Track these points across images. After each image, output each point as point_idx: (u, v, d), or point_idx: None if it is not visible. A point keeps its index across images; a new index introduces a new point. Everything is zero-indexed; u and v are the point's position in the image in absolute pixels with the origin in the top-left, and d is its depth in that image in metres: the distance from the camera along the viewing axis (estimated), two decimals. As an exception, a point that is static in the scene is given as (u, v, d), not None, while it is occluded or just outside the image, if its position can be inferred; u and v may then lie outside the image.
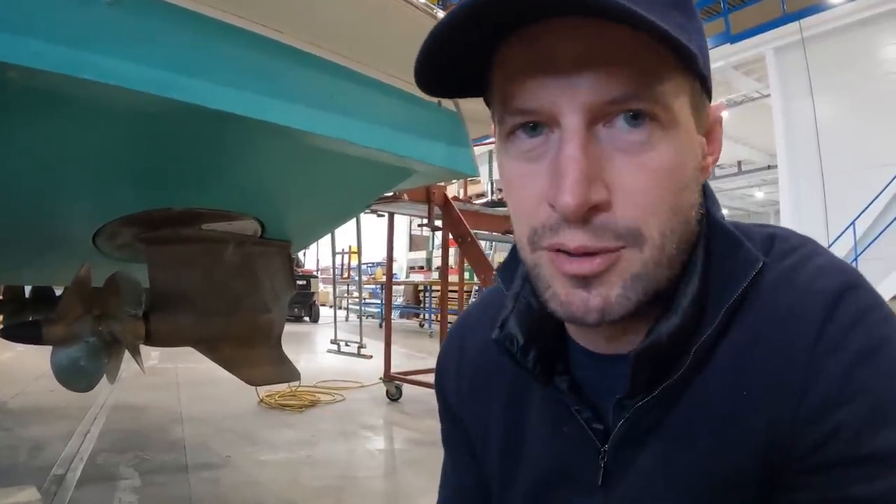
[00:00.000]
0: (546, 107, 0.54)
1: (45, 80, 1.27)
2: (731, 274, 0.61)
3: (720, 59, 13.82)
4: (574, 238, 0.55)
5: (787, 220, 12.46)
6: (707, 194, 0.66)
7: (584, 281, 0.56)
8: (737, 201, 24.57)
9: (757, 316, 0.60)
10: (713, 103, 0.63)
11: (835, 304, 0.57)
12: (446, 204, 5.96)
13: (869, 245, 10.64)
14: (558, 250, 0.56)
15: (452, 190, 7.43)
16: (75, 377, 2.30)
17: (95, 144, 1.74)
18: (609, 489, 0.67)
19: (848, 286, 0.58)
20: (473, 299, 12.42)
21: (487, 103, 0.63)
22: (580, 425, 0.68)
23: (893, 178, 10.63)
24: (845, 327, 0.55)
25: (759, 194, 23.28)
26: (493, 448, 0.80)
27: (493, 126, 0.63)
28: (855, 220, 10.78)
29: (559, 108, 0.54)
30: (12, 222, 2.19)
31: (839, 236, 10.98)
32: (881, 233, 10.64)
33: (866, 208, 10.79)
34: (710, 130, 0.63)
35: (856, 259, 10.38)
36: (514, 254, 0.71)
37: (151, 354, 8.17)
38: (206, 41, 1.53)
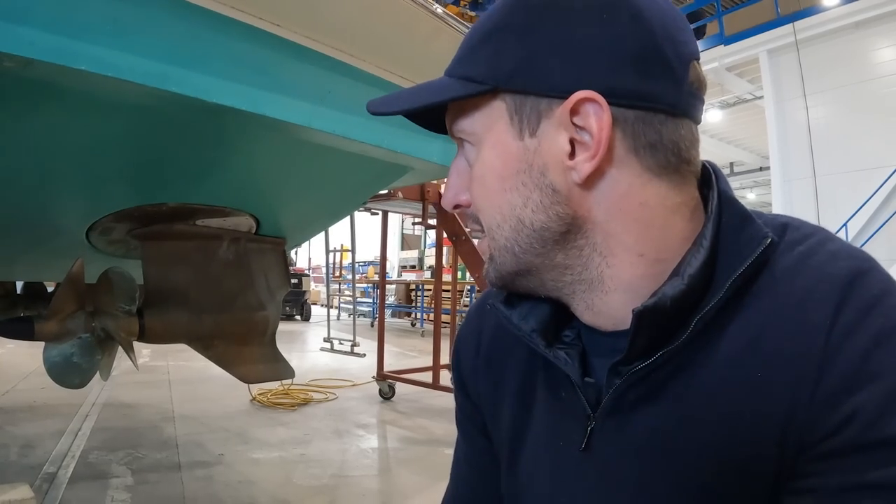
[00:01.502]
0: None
1: (40, 70, 1.26)
2: (739, 248, 0.61)
3: (714, 60, 13.85)
4: (468, 224, 0.74)
5: (780, 222, 12.47)
6: (718, 175, 0.68)
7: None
8: (729, 203, 24.58)
9: (771, 300, 0.60)
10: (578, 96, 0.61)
11: (850, 288, 0.57)
12: (441, 202, 5.94)
13: (861, 246, 10.65)
14: None
15: (447, 188, 7.39)
16: (68, 374, 2.28)
17: (89, 137, 1.72)
18: (594, 456, 0.68)
19: (862, 271, 0.58)
20: (467, 299, 12.41)
21: None
22: (574, 390, 0.69)
23: (885, 181, 10.67)
24: (861, 311, 0.56)
25: (751, 196, 23.35)
26: (506, 422, 0.81)
27: None
28: (847, 222, 10.82)
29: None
30: (4, 216, 2.17)
31: (831, 238, 11.00)
32: (872, 235, 10.68)
33: (858, 210, 10.82)
34: (575, 125, 0.62)
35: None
36: None
37: (143, 352, 8.15)
38: (202, 34, 1.51)
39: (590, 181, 0.63)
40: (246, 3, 1.58)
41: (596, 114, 0.61)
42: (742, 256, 0.60)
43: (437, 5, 2.09)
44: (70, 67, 1.26)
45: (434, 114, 0.72)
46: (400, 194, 5.72)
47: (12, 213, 2.15)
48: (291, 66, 1.76)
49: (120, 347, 2.35)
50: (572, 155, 0.63)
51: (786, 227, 0.65)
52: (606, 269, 0.65)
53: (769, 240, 0.61)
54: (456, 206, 0.73)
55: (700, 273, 0.60)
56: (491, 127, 0.66)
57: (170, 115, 1.67)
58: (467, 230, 0.81)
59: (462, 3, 13.34)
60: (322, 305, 17.81)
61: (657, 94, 0.61)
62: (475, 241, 0.73)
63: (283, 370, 2.76)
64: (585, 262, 0.66)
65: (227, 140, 1.95)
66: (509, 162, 0.65)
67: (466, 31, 0.74)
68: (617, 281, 0.65)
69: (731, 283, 0.60)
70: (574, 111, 0.61)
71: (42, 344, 2.23)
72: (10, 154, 1.73)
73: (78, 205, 2.26)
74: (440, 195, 5.97)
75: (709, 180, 0.68)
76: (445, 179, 0.75)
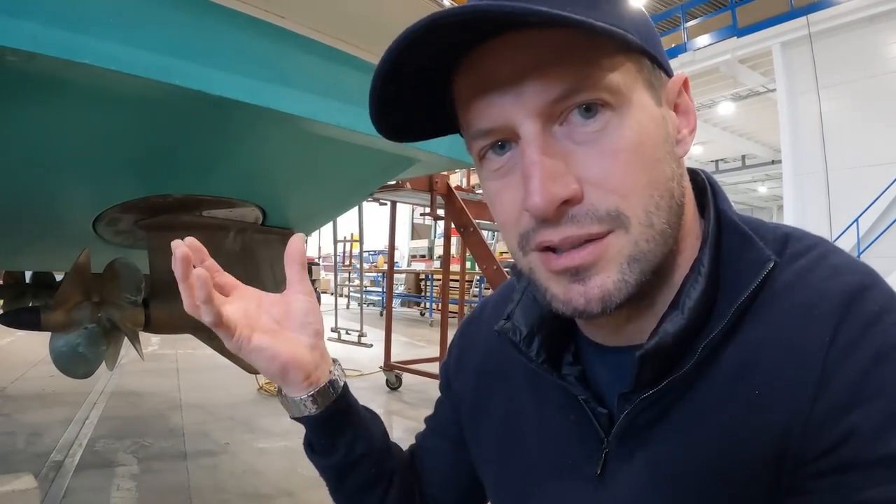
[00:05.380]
0: (501, 122, 0.58)
1: (43, 64, 1.25)
2: (741, 273, 0.60)
3: (726, 52, 13.79)
4: (556, 233, 0.57)
5: (790, 216, 12.44)
6: (715, 192, 0.67)
7: (578, 275, 0.58)
8: (740, 196, 24.58)
9: (770, 316, 0.58)
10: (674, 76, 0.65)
11: (850, 304, 0.55)
12: (449, 193, 5.95)
13: (872, 242, 10.62)
14: (546, 248, 0.59)
15: (455, 179, 7.40)
16: (74, 364, 2.29)
17: (94, 129, 1.72)
18: (607, 480, 0.67)
19: (864, 286, 0.57)
20: (476, 290, 12.40)
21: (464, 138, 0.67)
22: (586, 415, 0.68)
23: (898, 177, 10.62)
24: (861, 328, 0.54)
25: (763, 189, 23.27)
26: (491, 429, 0.81)
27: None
28: (858, 217, 10.77)
29: (512, 119, 0.57)
30: (12, 207, 2.18)
31: (842, 233, 10.96)
32: (884, 230, 10.62)
33: (870, 206, 10.76)
34: (676, 103, 0.64)
35: (859, 256, 10.35)
36: None
37: (152, 340, 8.19)
38: (207, 26, 1.51)
39: (682, 160, 0.63)
40: (251, -5, 1.57)
41: (689, 94, 0.64)
42: (745, 282, 0.59)
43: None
44: (73, 61, 1.25)
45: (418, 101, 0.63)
46: (408, 185, 5.71)
47: (20, 203, 2.16)
48: (297, 58, 1.76)
49: (126, 337, 2.36)
50: (678, 129, 0.63)
51: (787, 239, 0.63)
52: (674, 263, 0.63)
53: (772, 263, 0.60)
54: (565, 203, 0.56)
55: (699, 303, 0.60)
56: (635, 88, 0.58)
57: (175, 108, 1.67)
58: (538, 240, 0.54)
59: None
60: (332, 294, 17.91)
61: None
62: (582, 251, 0.57)
63: (287, 361, 2.76)
64: (672, 251, 0.62)
65: (233, 132, 1.94)
66: (658, 128, 0.59)
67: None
68: (677, 278, 0.63)
69: (736, 310, 0.59)
70: (681, 88, 0.64)
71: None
72: (17, 146, 1.73)
73: (84, 196, 2.26)
74: (448, 186, 6.01)
75: (704, 192, 0.67)
76: (532, 170, 0.56)
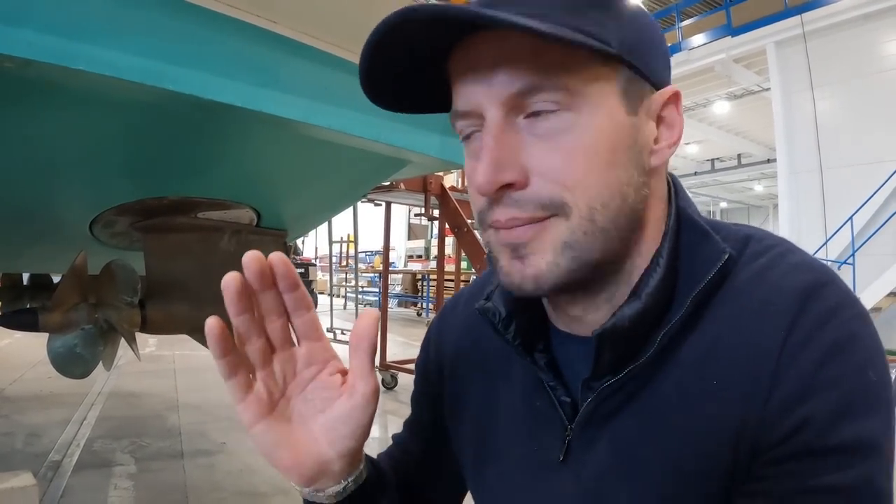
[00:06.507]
0: (473, 106, 0.62)
1: (39, 70, 1.28)
2: (698, 265, 0.63)
3: (721, 51, 13.80)
4: (504, 213, 0.61)
5: (786, 215, 12.45)
6: (678, 191, 0.70)
7: (517, 251, 0.62)
8: (736, 194, 24.57)
9: (730, 309, 0.61)
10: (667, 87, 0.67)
11: (807, 299, 0.58)
12: (443, 194, 5.97)
13: (867, 240, 10.62)
14: (497, 227, 0.63)
15: (450, 179, 7.41)
16: (71, 364, 2.31)
17: (91, 134, 1.74)
18: (571, 466, 0.69)
19: (821, 283, 0.60)
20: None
21: None
22: (551, 401, 0.71)
23: (892, 174, 10.59)
24: (817, 322, 0.57)
25: (759, 188, 23.26)
26: (468, 418, 0.82)
27: None
28: (853, 215, 10.75)
29: (481, 105, 0.61)
30: (9, 210, 2.20)
31: (837, 231, 10.96)
32: (879, 228, 10.61)
33: (864, 203, 10.75)
34: (661, 115, 0.66)
35: (853, 254, 10.37)
36: None
37: (149, 341, 8.19)
38: (200, 32, 1.54)
39: (657, 170, 0.66)
40: (242, 0, 1.60)
41: (677, 108, 0.67)
42: (702, 272, 0.62)
43: (435, 1, 2.11)
44: (68, 67, 1.28)
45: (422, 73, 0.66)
46: (402, 186, 5.73)
47: (17, 206, 2.18)
48: (289, 62, 1.78)
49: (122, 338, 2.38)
50: (656, 140, 0.65)
51: (748, 240, 0.66)
52: (631, 262, 0.66)
53: (727, 255, 0.62)
54: (504, 186, 0.60)
55: (657, 291, 0.63)
56: (603, 94, 0.61)
57: (169, 112, 1.69)
58: (491, 220, 0.60)
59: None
60: (328, 294, 17.88)
61: None
62: (520, 229, 0.62)
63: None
64: (630, 252, 0.66)
65: (227, 135, 1.97)
66: (622, 135, 0.62)
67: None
68: (636, 275, 0.66)
69: (693, 299, 0.61)
70: (668, 102, 0.66)
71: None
72: (14, 151, 1.75)
73: (81, 199, 2.28)
74: (442, 187, 6.02)
75: (668, 193, 0.70)
76: (483, 153, 0.60)
